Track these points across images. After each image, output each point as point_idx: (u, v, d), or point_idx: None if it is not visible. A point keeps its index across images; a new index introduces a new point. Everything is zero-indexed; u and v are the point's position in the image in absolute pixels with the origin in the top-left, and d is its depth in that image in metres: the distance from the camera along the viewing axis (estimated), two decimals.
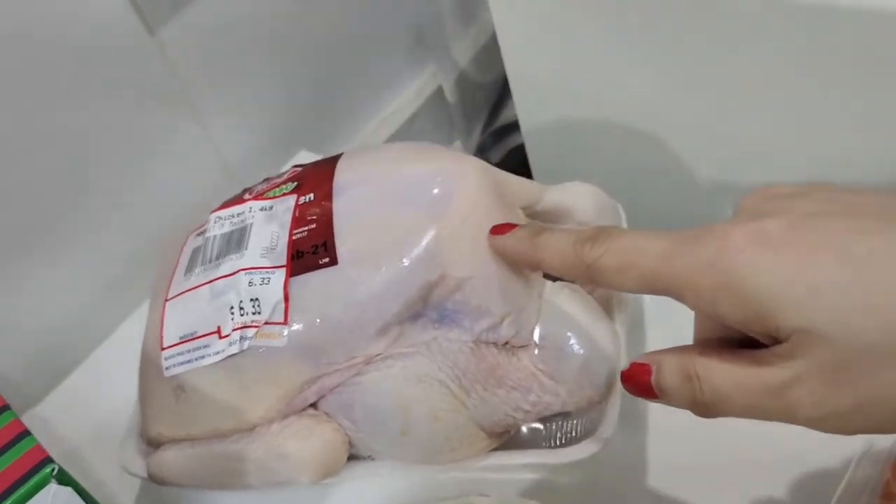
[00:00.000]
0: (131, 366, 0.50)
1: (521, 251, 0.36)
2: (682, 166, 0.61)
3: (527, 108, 0.67)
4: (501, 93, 0.86)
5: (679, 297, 0.28)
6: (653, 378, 0.30)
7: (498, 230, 0.38)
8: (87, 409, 0.59)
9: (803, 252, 0.26)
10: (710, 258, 0.27)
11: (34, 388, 0.62)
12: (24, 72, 0.54)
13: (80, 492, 0.34)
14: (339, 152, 0.81)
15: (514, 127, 0.79)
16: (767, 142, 0.56)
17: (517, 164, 0.78)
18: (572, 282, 0.42)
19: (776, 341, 0.27)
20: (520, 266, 0.38)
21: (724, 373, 0.28)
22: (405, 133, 0.86)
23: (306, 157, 0.75)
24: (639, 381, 0.31)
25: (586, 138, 0.64)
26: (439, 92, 0.86)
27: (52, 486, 0.33)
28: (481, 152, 0.87)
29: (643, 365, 0.31)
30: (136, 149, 0.63)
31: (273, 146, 0.75)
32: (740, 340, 0.29)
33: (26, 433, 0.35)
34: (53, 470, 0.33)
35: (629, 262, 0.29)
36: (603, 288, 0.43)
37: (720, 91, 0.55)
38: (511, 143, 0.83)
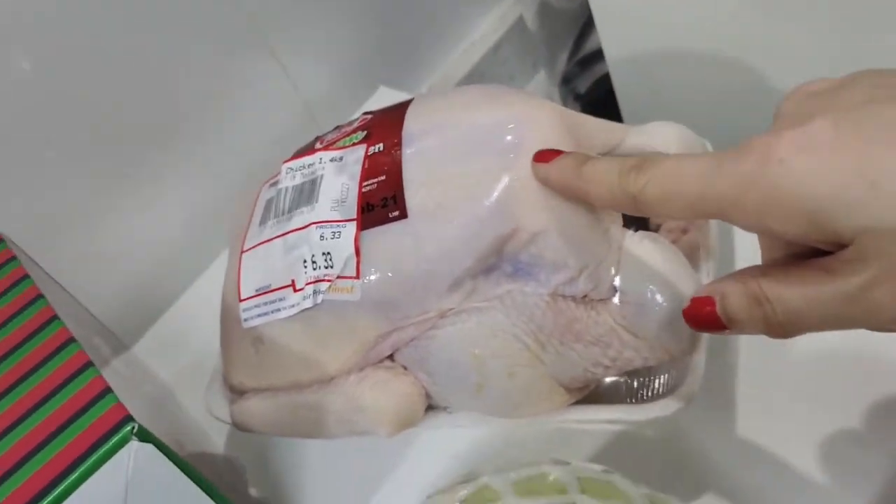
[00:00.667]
0: (218, 308, 0.51)
1: (566, 182, 0.34)
2: (776, 96, 0.57)
3: (611, 37, 0.63)
4: (587, 20, 0.82)
5: (726, 218, 0.27)
6: (718, 308, 0.29)
7: (541, 157, 0.36)
8: (179, 350, 0.61)
9: (853, 149, 0.24)
10: (751, 174, 0.26)
11: (128, 331, 0.64)
12: (108, 22, 0.55)
13: (161, 447, 0.35)
14: (419, 88, 0.80)
15: (600, 55, 0.75)
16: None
17: (605, 93, 0.75)
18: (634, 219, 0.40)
19: (841, 246, 0.25)
20: (565, 196, 0.36)
21: (793, 289, 0.26)
22: (488, 64, 0.83)
23: (385, 93, 0.74)
24: (702, 314, 0.29)
25: (674, 67, 0.61)
26: (521, 20, 0.83)
27: (134, 444, 0.34)
28: (567, 82, 0.83)
29: (705, 298, 0.29)
30: (219, 92, 0.64)
31: (352, 83, 0.74)
32: (809, 254, 0.27)
33: (108, 391, 0.36)
34: (134, 428, 0.34)
35: (672, 189, 0.28)
36: (652, 218, 0.41)
37: (817, 13, 0.50)
38: (598, 71, 0.79)
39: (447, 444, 0.47)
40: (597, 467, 0.31)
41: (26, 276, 0.43)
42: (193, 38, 0.60)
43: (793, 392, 0.43)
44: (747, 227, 0.27)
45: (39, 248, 0.49)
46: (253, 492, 0.51)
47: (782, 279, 0.27)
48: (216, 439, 0.55)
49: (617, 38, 0.62)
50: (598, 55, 0.79)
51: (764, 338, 0.45)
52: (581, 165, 0.33)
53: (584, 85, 0.81)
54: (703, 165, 0.27)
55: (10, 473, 0.34)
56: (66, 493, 0.33)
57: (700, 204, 0.27)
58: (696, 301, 0.30)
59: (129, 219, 0.61)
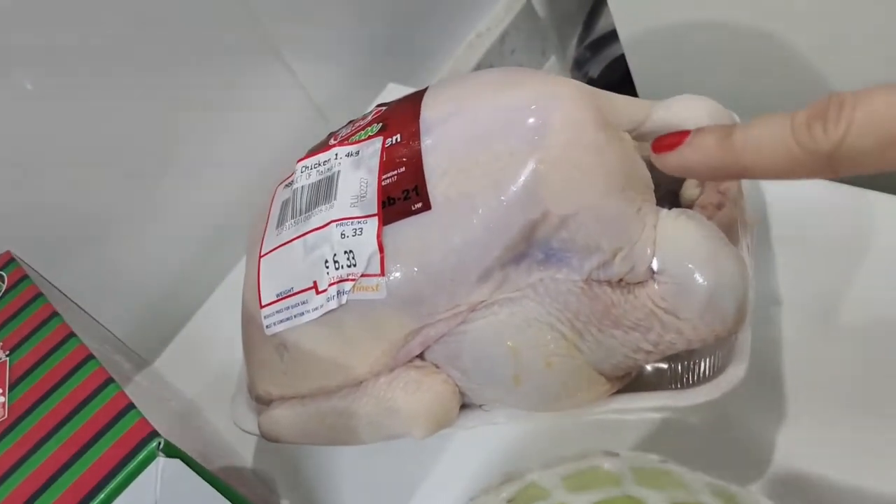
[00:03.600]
0: (239, 317, 0.49)
1: (715, 162, 0.29)
2: (803, 71, 0.55)
3: (625, 15, 0.62)
4: (594, 2, 0.81)
5: None
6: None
7: (664, 146, 0.31)
8: (200, 364, 0.60)
9: None
10: None
11: (148, 347, 0.63)
12: (113, 33, 0.54)
13: (189, 462, 0.34)
14: (428, 82, 0.79)
15: (612, 37, 0.74)
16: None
17: (619, 77, 0.73)
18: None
19: None
20: (716, 180, 0.32)
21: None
22: (496, 53, 0.82)
23: (394, 89, 0.72)
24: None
25: (693, 44, 0.59)
26: (529, 6, 0.82)
27: (161, 460, 0.33)
28: (579, 67, 0.82)
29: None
30: (228, 101, 0.64)
31: (361, 82, 0.73)
32: None
33: (131, 406, 0.34)
34: (160, 444, 0.33)
35: (893, 133, 0.23)
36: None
37: None
38: (610, 54, 0.78)
39: (484, 443, 0.46)
40: (652, 457, 0.29)
41: (39, 295, 0.42)
42: (199, 46, 0.60)
43: (844, 367, 0.41)
44: None
45: (53, 268, 0.48)
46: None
47: None
48: (244, 453, 0.54)
49: (631, 15, 0.61)
50: (608, 37, 0.77)
51: (809, 314, 0.43)
52: (727, 138, 0.28)
53: (596, 69, 0.79)
54: None
55: (36, 496, 0.32)
56: None
57: None
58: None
59: (141, 234, 0.60)
